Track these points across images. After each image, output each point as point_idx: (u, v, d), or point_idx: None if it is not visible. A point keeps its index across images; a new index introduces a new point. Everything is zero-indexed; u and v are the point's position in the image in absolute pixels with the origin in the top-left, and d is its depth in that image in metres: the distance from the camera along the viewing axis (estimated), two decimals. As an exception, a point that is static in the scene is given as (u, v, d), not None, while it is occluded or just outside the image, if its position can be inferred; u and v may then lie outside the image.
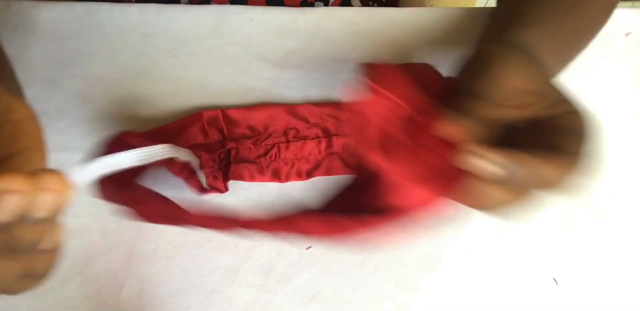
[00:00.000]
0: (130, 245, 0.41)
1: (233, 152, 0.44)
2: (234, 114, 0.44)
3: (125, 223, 0.42)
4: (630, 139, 0.47)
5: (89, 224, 0.42)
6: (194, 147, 0.42)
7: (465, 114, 0.30)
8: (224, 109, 0.44)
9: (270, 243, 0.41)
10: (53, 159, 0.45)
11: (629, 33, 0.54)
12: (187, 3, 0.60)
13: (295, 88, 0.48)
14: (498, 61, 0.31)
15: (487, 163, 0.27)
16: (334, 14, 0.52)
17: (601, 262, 0.41)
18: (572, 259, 0.41)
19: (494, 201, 0.28)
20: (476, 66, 0.32)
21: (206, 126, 0.43)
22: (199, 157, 0.42)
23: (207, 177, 0.42)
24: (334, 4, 0.62)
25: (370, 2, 0.67)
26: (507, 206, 0.29)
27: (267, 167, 0.44)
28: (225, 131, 0.44)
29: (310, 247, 0.41)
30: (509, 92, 0.30)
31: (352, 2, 0.65)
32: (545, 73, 0.34)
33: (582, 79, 0.51)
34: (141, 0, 0.59)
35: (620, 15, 0.54)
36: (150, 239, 0.41)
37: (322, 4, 0.61)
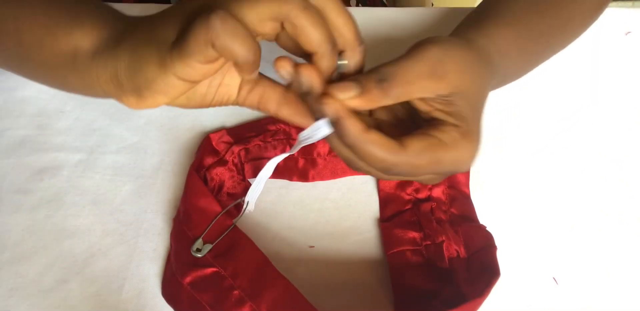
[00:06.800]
0: (130, 245, 0.41)
1: (243, 154, 0.44)
2: (238, 128, 0.46)
3: (125, 223, 0.42)
4: (631, 138, 0.47)
5: (89, 224, 0.42)
6: (210, 170, 0.43)
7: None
8: (227, 128, 0.45)
9: (270, 242, 0.41)
10: (53, 159, 0.45)
11: (628, 32, 0.54)
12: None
13: (295, 88, 0.48)
14: (419, 47, 0.30)
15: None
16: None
17: (601, 262, 0.41)
18: (572, 259, 0.41)
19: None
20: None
21: (214, 144, 0.44)
22: (217, 175, 0.43)
23: (229, 185, 0.43)
24: None
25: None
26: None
27: (282, 164, 0.44)
28: (232, 140, 0.44)
29: (313, 246, 0.41)
30: (411, 75, 0.29)
31: None
32: (483, 70, 0.33)
33: (582, 77, 0.51)
34: (142, 0, 0.59)
35: (620, 15, 0.55)
36: (150, 239, 0.41)
37: None
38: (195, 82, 0.28)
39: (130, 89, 0.30)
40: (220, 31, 0.25)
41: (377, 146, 0.28)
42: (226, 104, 0.33)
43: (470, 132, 0.30)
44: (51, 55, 0.33)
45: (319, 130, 0.30)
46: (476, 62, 0.32)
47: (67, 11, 0.33)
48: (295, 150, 0.32)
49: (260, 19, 0.27)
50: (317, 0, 0.28)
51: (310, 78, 0.29)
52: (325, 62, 0.29)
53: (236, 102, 0.33)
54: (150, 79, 0.28)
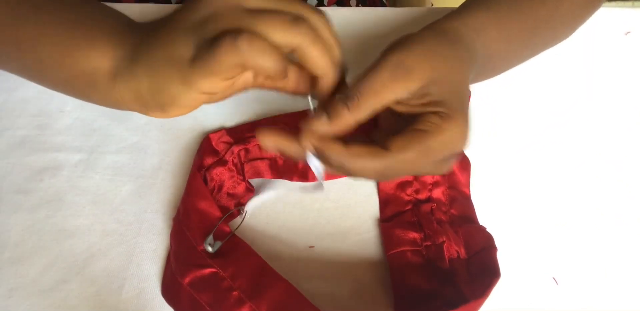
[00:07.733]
0: (130, 245, 0.41)
1: (242, 154, 0.44)
2: (237, 128, 0.46)
3: (125, 223, 0.42)
4: (630, 139, 0.47)
5: (89, 224, 0.42)
6: (210, 170, 0.43)
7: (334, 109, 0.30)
8: (227, 128, 0.46)
9: (270, 242, 0.41)
10: (53, 159, 0.45)
11: (628, 32, 0.54)
12: (177, 3, 0.60)
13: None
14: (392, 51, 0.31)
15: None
16: (333, 14, 0.52)
17: (601, 261, 0.41)
18: (572, 258, 0.41)
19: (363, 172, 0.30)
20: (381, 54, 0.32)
21: (214, 144, 0.44)
22: (217, 175, 0.43)
23: (229, 185, 0.43)
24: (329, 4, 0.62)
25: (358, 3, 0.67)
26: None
27: (282, 163, 0.44)
28: (232, 140, 0.44)
29: (313, 246, 0.41)
30: (385, 84, 0.30)
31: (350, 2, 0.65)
32: (455, 52, 0.34)
33: (581, 77, 0.51)
34: (141, 0, 0.59)
35: (620, 15, 0.55)
36: (150, 240, 0.41)
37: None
38: (217, 94, 0.30)
39: (155, 106, 0.31)
40: (249, 53, 0.26)
41: (361, 158, 0.30)
42: (246, 90, 0.34)
43: (451, 114, 0.31)
44: (71, 75, 0.33)
45: (312, 163, 0.31)
46: (444, 45, 0.33)
47: (81, 31, 0.33)
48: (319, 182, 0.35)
49: (272, 43, 0.28)
50: (320, 32, 0.30)
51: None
52: (329, 83, 0.31)
53: (255, 87, 0.34)
54: (175, 96, 0.29)
